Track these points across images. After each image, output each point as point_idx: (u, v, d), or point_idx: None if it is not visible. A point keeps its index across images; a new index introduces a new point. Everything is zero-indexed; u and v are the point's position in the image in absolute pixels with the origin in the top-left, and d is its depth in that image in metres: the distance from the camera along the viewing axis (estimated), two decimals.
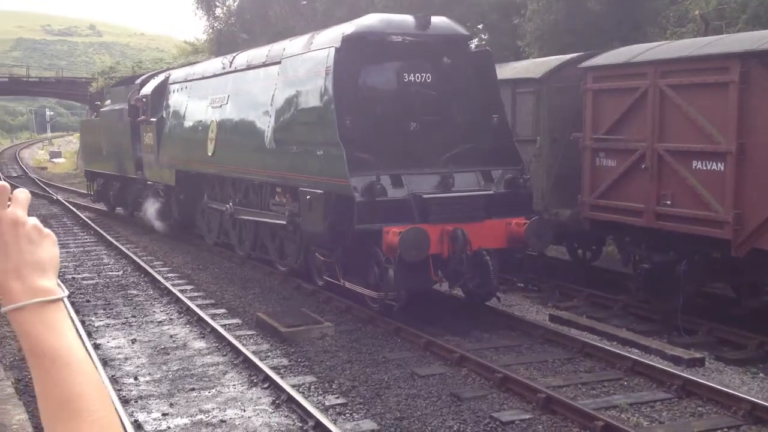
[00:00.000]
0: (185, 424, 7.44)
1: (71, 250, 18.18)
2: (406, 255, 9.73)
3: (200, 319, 11.05)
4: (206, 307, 11.95)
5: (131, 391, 8.40)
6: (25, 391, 8.27)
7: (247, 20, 34.05)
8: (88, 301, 12.69)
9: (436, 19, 11.62)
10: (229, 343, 9.76)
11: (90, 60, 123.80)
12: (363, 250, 10.74)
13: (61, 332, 1.14)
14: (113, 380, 8.62)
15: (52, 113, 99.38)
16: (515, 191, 11.06)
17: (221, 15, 37.45)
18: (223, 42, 36.08)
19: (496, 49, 29.09)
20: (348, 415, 7.66)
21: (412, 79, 11.24)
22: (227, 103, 15.05)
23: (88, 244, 19.15)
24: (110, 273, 15.17)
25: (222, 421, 7.50)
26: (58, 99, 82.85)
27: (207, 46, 40.95)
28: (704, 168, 10.08)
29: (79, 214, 24.47)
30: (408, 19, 11.53)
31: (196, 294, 13.06)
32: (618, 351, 9.24)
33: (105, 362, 9.28)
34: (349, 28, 11.43)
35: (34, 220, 1.19)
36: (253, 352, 9.40)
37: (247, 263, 15.52)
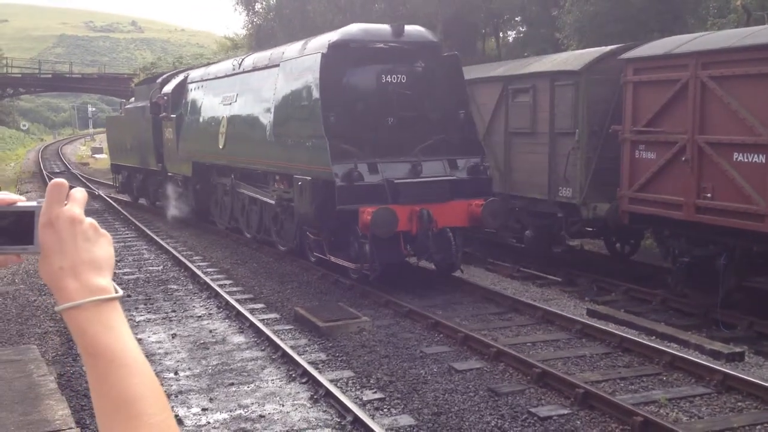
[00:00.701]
0: (225, 419, 7.53)
1: (113, 245, 18.42)
2: (377, 231, 11.49)
3: (239, 314, 11.18)
4: (245, 302, 12.08)
5: (171, 386, 8.52)
6: (68, 386, 8.45)
7: (286, 15, 34.19)
8: (129, 296, 12.89)
9: (409, 28, 13.39)
10: (268, 338, 9.85)
11: (131, 56, 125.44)
12: (344, 229, 12.47)
13: (119, 332, 1.14)
14: None
15: (94, 109, 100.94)
16: (476, 177, 12.70)
17: (260, 10, 37.68)
18: (262, 37, 36.31)
19: (535, 41, 28.91)
20: (386, 410, 7.69)
21: (390, 80, 12.74)
22: (236, 101, 16.71)
23: (129, 239, 19.45)
24: (151, 268, 15.40)
25: (261, 416, 7.58)
26: (100, 95, 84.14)
27: (246, 41, 41.24)
28: (746, 160, 9.91)
29: (120, 209, 24.84)
30: (385, 28, 13.31)
31: (234, 289, 13.21)
32: (656, 346, 9.14)
33: (146, 357, 9.40)
34: (334, 36, 13.15)
35: (91, 220, 1.19)
36: (292, 347, 9.48)
37: (285, 258, 15.64)
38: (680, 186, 10.88)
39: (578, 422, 7.28)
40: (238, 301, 11.94)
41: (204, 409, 7.79)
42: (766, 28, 10.87)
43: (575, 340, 9.87)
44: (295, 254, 14.96)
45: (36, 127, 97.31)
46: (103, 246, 1.18)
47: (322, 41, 13.37)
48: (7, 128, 78.34)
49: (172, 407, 7.74)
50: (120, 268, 15.36)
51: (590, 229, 14.11)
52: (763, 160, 9.65)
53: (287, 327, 10.76)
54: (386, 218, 11.47)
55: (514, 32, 35.16)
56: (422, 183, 12.29)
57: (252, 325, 10.56)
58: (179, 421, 7.45)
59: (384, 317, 11.19)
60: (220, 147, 17.36)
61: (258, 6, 37.57)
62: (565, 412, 7.50)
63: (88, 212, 1.09)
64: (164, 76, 23.70)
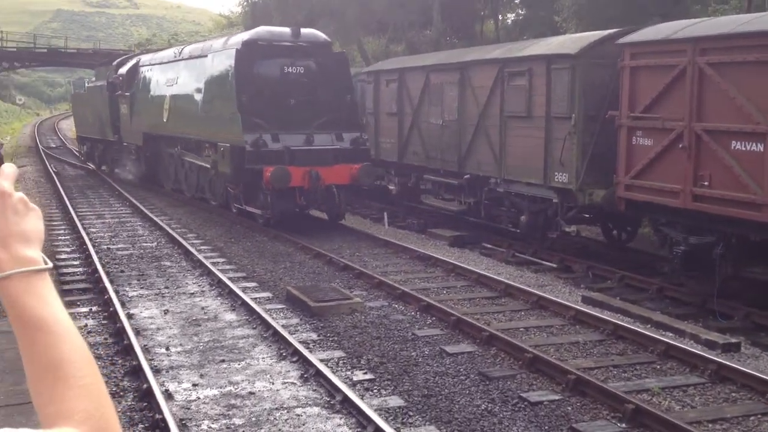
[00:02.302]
0: (214, 395, 7.51)
1: (107, 220, 18.40)
2: (275, 185, 15.26)
3: (231, 292, 11.13)
4: (237, 280, 12.04)
5: (162, 361, 8.50)
6: None
7: None
8: (122, 272, 12.84)
9: (305, 31, 17.22)
10: (259, 317, 9.82)
11: (127, 32, 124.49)
12: (254, 184, 16.06)
13: (47, 301, 1.15)
14: (145, 350, 8.71)
15: (90, 85, 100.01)
16: (357, 147, 16.39)
17: None
18: (258, 15, 36.02)
19: (534, 23, 28.73)
20: (375, 390, 7.68)
21: (290, 70, 16.51)
22: (176, 83, 20.39)
23: (124, 215, 19.36)
24: (144, 244, 15.33)
25: (251, 393, 7.56)
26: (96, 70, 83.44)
27: (242, 18, 40.95)
28: (743, 149, 9.87)
29: (115, 185, 24.73)
30: (287, 30, 17.08)
31: (227, 267, 13.16)
32: (651, 334, 9.11)
33: (138, 332, 9.38)
34: (246, 35, 17.13)
35: (20, 194, 1.20)
36: (283, 326, 9.45)
37: (279, 237, 15.61)
38: (677, 173, 10.84)
39: (569, 408, 7.27)
40: (230, 279, 11.90)
41: (194, 385, 7.77)
42: (765, 15, 10.79)
43: (569, 327, 9.85)
44: (222, 207, 18.62)
45: (32, 101, 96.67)
46: (32, 219, 1.20)
47: (238, 39, 17.25)
48: (3, 102, 77.85)
49: (163, 382, 7.72)
50: (114, 244, 15.30)
51: (587, 216, 14.07)
52: (761, 149, 9.60)
53: (279, 306, 10.72)
54: (281, 175, 15.20)
55: (513, 15, 34.97)
56: (314, 150, 15.99)
57: (244, 303, 10.52)
58: (169, 396, 7.42)
59: (376, 299, 11.17)
60: (165, 121, 20.83)
61: None
62: (557, 397, 7.48)
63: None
64: (120, 59, 27.47)
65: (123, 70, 25.13)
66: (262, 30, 17.34)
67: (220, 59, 17.31)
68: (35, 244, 1.19)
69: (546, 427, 6.89)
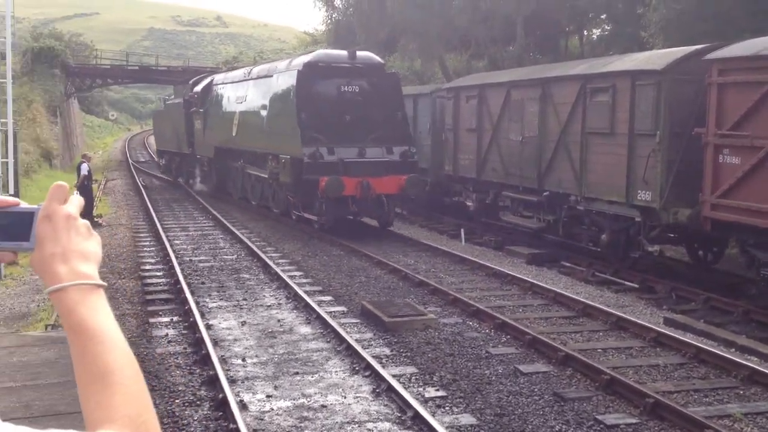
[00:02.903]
0: (288, 407, 7.58)
1: (190, 233, 18.88)
2: (329, 194, 16.83)
3: (307, 305, 11.25)
4: (313, 294, 12.16)
5: (239, 371, 8.63)
6: (141, 367, 8.59)
7: (364, 11, 34.25)
8: (203, 283, 13.14)
9: (361, 53, 19.10)
10: (334, 330, 9.88)
11: (216, 50, 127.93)
12: (311, 192, 17.60)
13: (101, 314, 1.23)
14: (222, 360, 8.87)
15: (169, 102, 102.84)
16: (405, 159, 17.92)
17: (340, 6, 37.91)
18: (340, 33, 36.54)
19: (620, 39, 28.20)
20: (447, 408, 7.61)
21: (346, 89, 18.05)
22: (245, 100, 22.09)
23: (206, 228, 19.84)
24: (225, 257, 15.66)
25: (323, 406, 7.60)
26: (175, 88, 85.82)
27: (325, 36, 41.58)
28: None
29: (200, 199, 25.37)
30: (343, 53, 18.89)
31: (304, 280, 13.31)
32: (735, 358, 8.77)
33: (215, 342, 9.57)
34: (308, 57, 18.84)
35: (85, 221, 1.31)
36: (356, 340, 9.49)
37: (355, 253, 15.71)
38: (766, 193, 10.42)
39: None
40: (306, 292, 12.03)
41: (268, 396, 7.86)
42: None
43: (649, 349, 9.57)
44: (283, 214, 20.20)
45: (124, 117, 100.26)
46: (92, 243, 1.30)
47: (300, 61, 18.98)
48: (96, 117, 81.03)
49: (238, 392, 7.84)
50: (196, 256, 15.68)
51: (671, 235, 13.66)
52: None
53: (353, 320, 10.77)
54: (335, 185, 16.75)
55: (599, 30, 34.43)
56: (366, 162, 17.51)
57: (319, 316, 10.61)
58: (244, 406, 7.53)
59: (451, 315, 11.10)
60: (234, 135, 22.61)
61: (337, 2, 37.80)
62: (633, 421, 7.27)
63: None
64: (195, 78, 29.53)
65: (198, 88, 27.18)
66: (321, 53, 19.56)
67: (284, 79, 18.98)
68: (93, 263, 1.27)
69: None
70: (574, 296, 11.81)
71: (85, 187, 20.31)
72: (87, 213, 20.22)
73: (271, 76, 20.04)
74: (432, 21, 30.76)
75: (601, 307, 11.17)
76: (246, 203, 22.70)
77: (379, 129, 18.01)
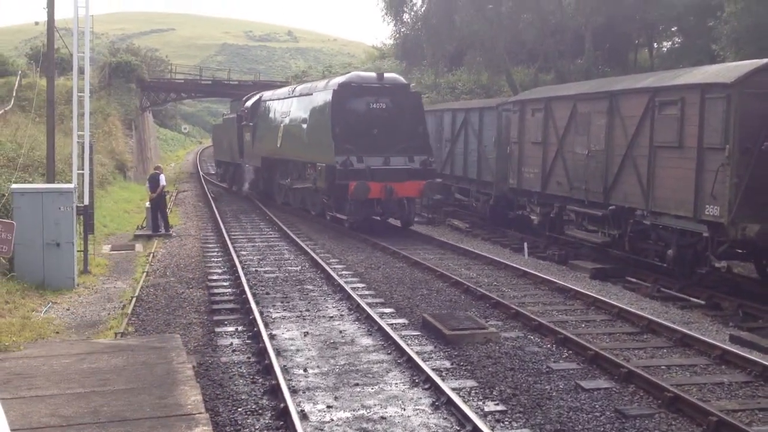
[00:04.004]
0: (347, 418, 7.68)
1: (257, 244, 19.24)
2: (357, 197, 19.76)
3: (369, 317, 11.36)
4: (375, 306, 12.27)
5: (300, 381, 8.78)
6: (205, 375, 8.88)
7: (433, 25, 34.43)
8: (267, 294, 13.39)
9: (388, 75, 22.22)
10: (394, 342, 9.96)
11: (286, 64, 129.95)
12: (342, 195, 20.38)
13: None
14: (284, 370, 9.04)
15: (225, 116, 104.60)
16: (425, 167, 20.81)
17: (408, 20, 38.15)
18: (408, 47, 36.74)
19: (690, 52, 27.68)
20: (507, 423, 7.60)
21: (375, 106, 20.97)
22: (289, 115, 24.76)
23: (272, 239, 20.19)
24: (290, 268, 15.92)
25: (382, 417, 7.67)
26: (231, 104, 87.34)
27: (393, 50, 41.85)
28: None
29: (266, 210, 25.83)
30: (373, 74, 21.98)
31: (366, 292, 13.43)
32: None
33: (278, 352, 9.75)
34: (342, 78, 21.66)
35: None
36: (417, 353, 9.54)
37: (417, 266, 15.78)
38: None
39: None
40: (369, 304, 12.14)
41: (329, 407, 7.97)
42: None
43: (714, 367, 9.37)
44: (319, 215, 22.93)
45: (196, 130, 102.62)
46: None
47: (335, 81, 21.73)
48: (170, 131, 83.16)
49: (299, 402, 7.97)
50: (262, 266, 15.98)
51: (739, 251, 13.33)
52: None
53: (414, 333, 10.83)
54: (362, 188, 19.65)
55: (669, 43, 33.84)
56: (389, 169, 20.46)
57: (380, 328, 10.71)
58: (304, 416, 7.65)
59: (512, 329, 11.06)
60: (278, 146, 25.42)
61: (406, 16, 38.04)
62: None
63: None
64: (248, 95, 32.08)
65: (248, 104, 30.10)
66: (354, 74, 22.57)
67: (322, 96, 21.78)
68: None
69: None
70: (638, 312, 11.64)
71: (161, 198, 20.98)
72: (163, 222, 20.89)
73: (311, 94, 22.90)
74: (500, 35, 30.72)
75: (665, 323, 10.98)
76: (306, 214, 24.19)
77: (402, 141, 20.92)
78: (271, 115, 26.89)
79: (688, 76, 14.03)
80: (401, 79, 22.25)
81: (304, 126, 22.87)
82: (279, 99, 26.57)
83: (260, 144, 27.84)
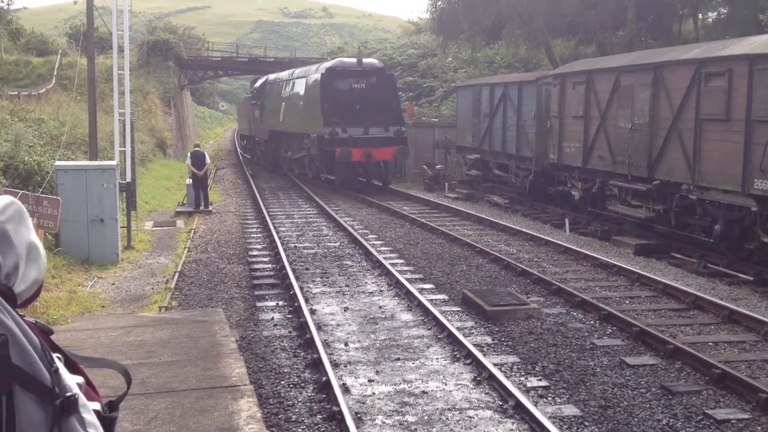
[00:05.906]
0: (389, 392, 7.67)
1: (295, 220, 19.30)
2: (342, 160, 24.44)
3: (408, 293, 11.32)
4: (414, 282, 12.22)
5: (341, 356, 8.78)
6: (248, 348, 8.92)
7: None
8: (307, 269, 13.41)
9: (366, 60, 27.60)
10: (435, 318, 9.91)
11: (321, 41, 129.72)
12: (331, 160, 24.79)
13: None
14: (325, 344, 9.05)
15: (245, 95, 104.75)
16: (397, 136, 25.27)
17: None
18: (444, 21, 36.32)
19: (736, 22, 26.99)
20: (550, 398, 7.53)
21: (356, 86, 25.66)
22: (289, 94, 29.48)
23: (311, 216, 20.23)
24: (329, 244, 15.93)
25: (424, 392, 7.65)
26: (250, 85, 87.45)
27: (429, 25, 41.46)
28: None
29: (304, 187, 25.90)
30: (354, 60, 27.03)
31: (405, 268, 13.39)
32: None
33: (319, 327, 9.76)
34: (329, 64, 26.79)
35: None
36: (458, 328, 9.49)
37: (456, 242, 15.69)
38: None
39: (759, 428, 6.77)
40: (408, 280, 12.10)
41: (370, 380, 7.97)
42: None
43: (763, 343, 9.17)
44: (314, 178, 27.32)
45: (233, 108, 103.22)
46: None
47: (324, 66, 26.73)
48: (207, 108, 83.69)
49: (341, 376, 7.97)
50: (301, 243, 16.02)
51: None
52: None
53: (454, 308, 10.77)
54: (345, 153, 24.36)
55: (715, 13, 33.01)
56: (368, 137, 24.88)
57: (420, 304, 10.66)
58: (346, 390, 7.65)
59: (554, 306, 10.94)
60: (281, 121, 30.27)
61: None
62: (745, 416, 6.99)
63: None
64: (256, 78, 38.51)
65: (257, 84, 36.06)
66: (337, 61, 27.54)
67: (314, 78, 26.55)
68: None
69: None
70: (684, 288, 11.43)
71: (204, 175, 21.15)
72: (204, 199, 21.06)
73: (306, 77, 27.72)
74: (539, 7, 30.21)
75: (713, 299, 10.77)
76: (344, 190, 25.93)
77: (379, 114, 25.48)
78: (275, 94, 31.89)
79: (736, 46, 13.65)
80: (378, 63, 27.82)
81: (301, 103, 27.56)
82: (281, 81, 31.59)
83: (267, 119, 32.99)
